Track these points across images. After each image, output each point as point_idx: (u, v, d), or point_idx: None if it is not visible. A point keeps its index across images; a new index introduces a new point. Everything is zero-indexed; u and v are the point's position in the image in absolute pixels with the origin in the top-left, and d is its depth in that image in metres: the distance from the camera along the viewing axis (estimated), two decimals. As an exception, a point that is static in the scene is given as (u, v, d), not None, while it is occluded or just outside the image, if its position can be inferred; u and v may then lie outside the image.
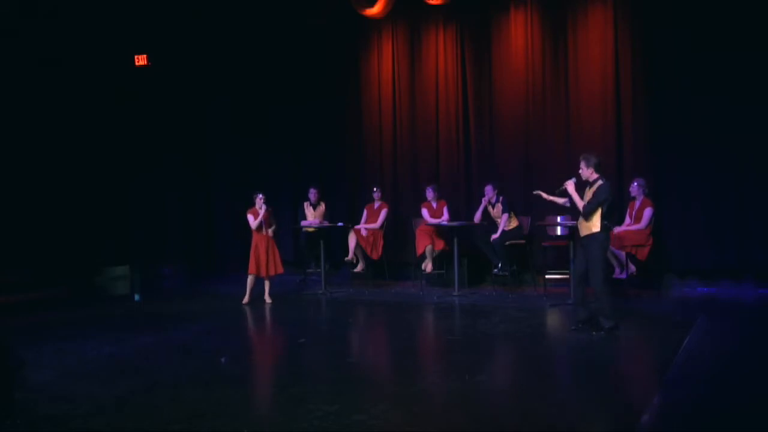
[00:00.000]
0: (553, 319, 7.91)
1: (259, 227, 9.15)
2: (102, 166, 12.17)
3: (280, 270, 9.27)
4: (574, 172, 9.66)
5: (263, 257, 9.12)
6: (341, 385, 5.30)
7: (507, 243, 9.48)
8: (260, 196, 9.16)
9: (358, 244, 10.47)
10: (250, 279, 9.21)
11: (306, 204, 10.78)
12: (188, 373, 5.78)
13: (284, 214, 11.96)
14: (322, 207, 10.77)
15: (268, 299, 9.23)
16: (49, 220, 11.30)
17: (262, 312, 8.83)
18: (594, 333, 6.66)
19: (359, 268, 10.68)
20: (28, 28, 11.17)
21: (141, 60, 12.14)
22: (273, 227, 9.29)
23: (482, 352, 6.48)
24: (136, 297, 10.66)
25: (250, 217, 9.17)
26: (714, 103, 8.88)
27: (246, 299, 9.19)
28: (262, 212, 9.10)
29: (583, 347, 6.41)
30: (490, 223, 9.76)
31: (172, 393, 5.21)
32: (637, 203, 8.86)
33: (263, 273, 9.16)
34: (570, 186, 6.89)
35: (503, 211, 9.57)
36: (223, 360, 6.19)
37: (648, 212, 8.71)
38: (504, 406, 4.85)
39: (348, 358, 6.57)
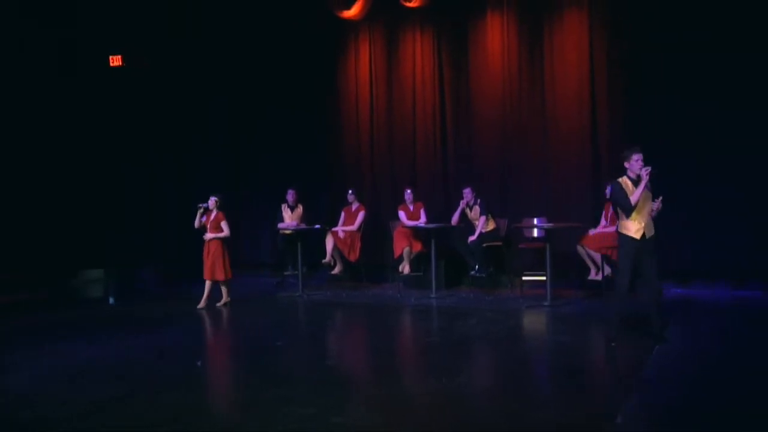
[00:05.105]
0: (530, 321, 7.95)
1: (201, 230, 9.17)
2: (78, 168, 12.02)
3: (218, 276, 9.00)
4: (551, 174, 9.87)
5: (205, 261, 9.06)
6: (319, 388, 5.28)
7: (484, 245, 9.51)
8: (212, 198, 9.14)
9: (335, 247, 10.46)
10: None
11: (284, 206, 10.73)
12: (165, 376, 5.74)
13: (262, 215, 11.91)
14: (299, 209, 10.73)
15: (218, 303, 9.14)
16: (25, 224, 11.13)
17: (239, 315, 8.77)
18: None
19: (337, 270, 10.67)
20: (25, 28, 11.05)
21: (116, 61, 11.98)
22: (221, 233, 9.00)
23: (460, 353, 6.50)
24: (111, 300, 10.56)
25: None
26: (688, 104, 8.96)
27: (201, 303, 9.06)
28: (198, 216, 9.10)
29: (560, 349, 6.47)
30: (467, 225, 9.79)
31: (150, 397, 5.16)
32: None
33: (205, 276, 9.08)
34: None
35: (481, 213, 9.60)
36: (198, 363, 6.16)
37: (623, 214, 8.76)
38: (482, 408, 4.87)
39: (326, 360, 6.55)
